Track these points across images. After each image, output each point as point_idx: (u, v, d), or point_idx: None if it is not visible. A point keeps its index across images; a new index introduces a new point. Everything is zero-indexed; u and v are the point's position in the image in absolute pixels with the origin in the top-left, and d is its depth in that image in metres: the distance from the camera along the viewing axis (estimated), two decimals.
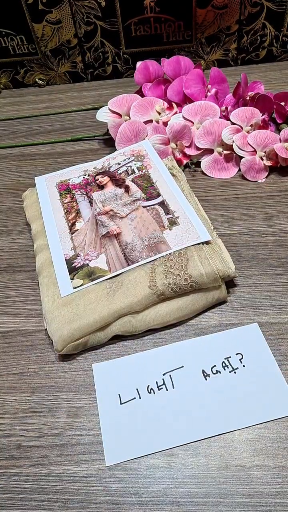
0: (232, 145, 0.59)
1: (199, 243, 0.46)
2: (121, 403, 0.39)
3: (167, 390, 0.40)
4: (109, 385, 0.41)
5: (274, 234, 0.52)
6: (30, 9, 0.71)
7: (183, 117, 0.62)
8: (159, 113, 0.63)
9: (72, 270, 0.47)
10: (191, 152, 0.61)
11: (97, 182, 0.56)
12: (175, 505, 0.34)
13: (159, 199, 0.52)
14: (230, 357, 0.41)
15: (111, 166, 0.58)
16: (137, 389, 0.40)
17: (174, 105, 0.64)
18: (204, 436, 0.37)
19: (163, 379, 0.40)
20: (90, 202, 0.54)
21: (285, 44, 0.76)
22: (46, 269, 0.48)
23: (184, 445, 0.37)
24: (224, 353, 0.42)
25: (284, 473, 0.35)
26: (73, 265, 0.47)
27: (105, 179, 0.56)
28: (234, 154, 0.60)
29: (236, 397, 0.39)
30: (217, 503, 0.34)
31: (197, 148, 0.61)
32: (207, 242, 0.47)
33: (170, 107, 0.64)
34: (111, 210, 0.52)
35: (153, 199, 0.53)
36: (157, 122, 0.63)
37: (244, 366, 0.41)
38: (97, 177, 0.57)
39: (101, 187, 0.56)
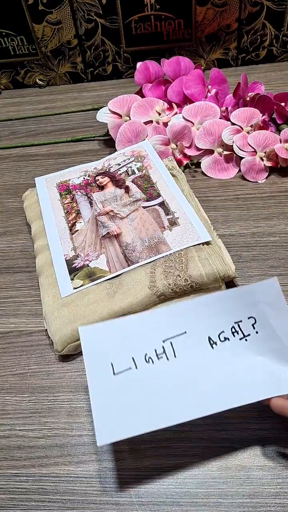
0: (232, 145, 0.59)
1: (199, 244, 0.46)
2: (114, 374, 0.34)
3: (167, 359, 0.35)
4: (100, 352, 0.35)
5: (274, 235, 0.52)
6: (31, 9, 0.71)
7: (183, 117, 0.62)
8: (159, 114, 0.63)
9: (72, 270, 0.47)
10: (191, 152, 0.61)
11: (97, 182, 0.56)
12: (176, 506, 0.34)
13: (159, 200, 0.52)
14: (241, 321, 0.35)
15: (111, 167, 0.58)
16: (132, 358, 0.35)
17: (174, 105, 0.64)
18: (209, 412, 0.33)
19: (163, 347, 0.35)
20: (90, 203, 0.54)
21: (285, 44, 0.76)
22: (46, 270, 0.48)
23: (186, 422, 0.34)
24: (234, 316, 0.36)
25: (284, 474, 0.35)
26: (73, 265, 0.47)
27: (105, 179, 0.56)
28: (234, 155, 0.60)
29: (247, 368, 0.34)
30: (217, 503, 0.34)
31: (197, 149, 0.61)
32: (207, 243, 0.47)
33: (170, 108, 0.64)
34: (111, 210, 0.52)
35: (153, 200, 0.53)
36: (157, 122, 0.63)
37: (257, 332, 0.35)
38: (97, 178, 0.57)
39: (101, 187, 0.56)
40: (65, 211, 0.54)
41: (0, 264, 0.53)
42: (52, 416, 0.40)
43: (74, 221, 0.52)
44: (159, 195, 0.53)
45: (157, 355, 0.35)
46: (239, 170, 0.60)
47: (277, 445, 0.36)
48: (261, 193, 0.57)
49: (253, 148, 0.58)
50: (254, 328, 0.35)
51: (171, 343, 0.35)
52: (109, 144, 0.67)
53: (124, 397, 0.34)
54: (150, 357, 0.35)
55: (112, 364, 0.35)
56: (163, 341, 0.35)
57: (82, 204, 0.54)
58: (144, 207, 0.52)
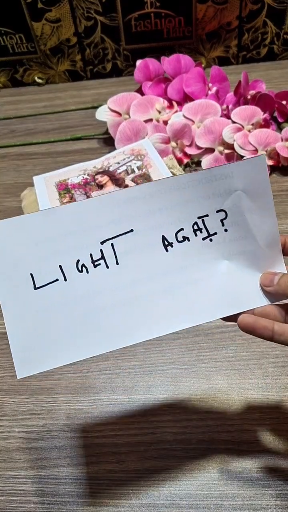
0: (233, 144, 0.58)
1: None
2: (35, 288, 0.27)
3: (107, 267, 0.28)
4: (16, 258, 0.27)
5: None
6: (30, 7, 0.70)
7: (184, 116, 0.62)
8: (159, 112, 0.63)
9: None
10: (191, 151, 0.61)
11: (97, 181, 0.56)
12: (176, 508, 0.34)
13: None
14: (207, 215, 0.28)
15: (110, 166, 0.58)
16: (60, 266, 0.27)
17: (174, 103, 0.64)
18: (159, 333, 0.28)
19: (101, 250, 0.28)
20: None
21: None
22: None
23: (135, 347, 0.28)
24: (199, 209, 0.28)
25: (285, 476, 0.35)
26: None
27: (105, 178, 0.56)
28: (235, 153, 0.59)
29: (209, 276, 0.28)
30: (217, 505, 0.34)
31: (198, 147, 0.60)
32: None
33: (171, 106, 0.64)
34: None
35: None
36: (157, 121, 0.62)
37: (226, 230, 0.28)
38: (96, 177, 0.57)
39: (101, 186, 0.55)
40: None
41: None
42: (51, 417, 0.40)
43: None
44: None
45: (93, 261, 0.27)
46: None
47: (278, 447, 0.36)
48: None
49: (254, 146, 0.58)
50: (223, 224, 0.28)
51: (112, 245, 0.28)
52: (108, 142, 0.67)
53: (49, 317, 0.27)
54: (83, 265, 0.27)
55: (32, 276, 0.27)
56: (102, 243, 0.28)
57: None
58: None
